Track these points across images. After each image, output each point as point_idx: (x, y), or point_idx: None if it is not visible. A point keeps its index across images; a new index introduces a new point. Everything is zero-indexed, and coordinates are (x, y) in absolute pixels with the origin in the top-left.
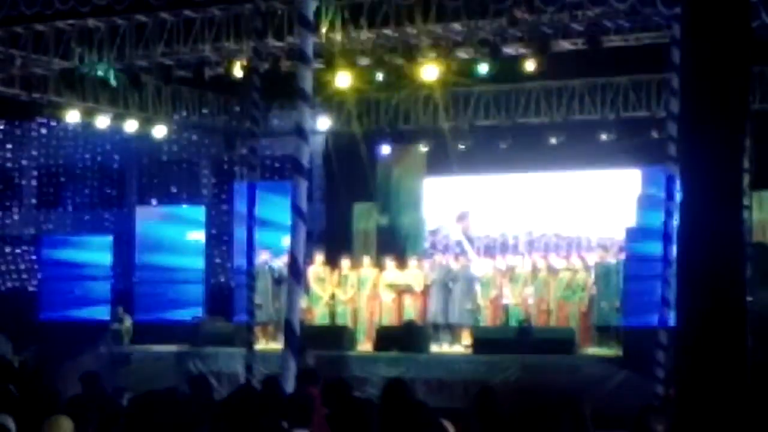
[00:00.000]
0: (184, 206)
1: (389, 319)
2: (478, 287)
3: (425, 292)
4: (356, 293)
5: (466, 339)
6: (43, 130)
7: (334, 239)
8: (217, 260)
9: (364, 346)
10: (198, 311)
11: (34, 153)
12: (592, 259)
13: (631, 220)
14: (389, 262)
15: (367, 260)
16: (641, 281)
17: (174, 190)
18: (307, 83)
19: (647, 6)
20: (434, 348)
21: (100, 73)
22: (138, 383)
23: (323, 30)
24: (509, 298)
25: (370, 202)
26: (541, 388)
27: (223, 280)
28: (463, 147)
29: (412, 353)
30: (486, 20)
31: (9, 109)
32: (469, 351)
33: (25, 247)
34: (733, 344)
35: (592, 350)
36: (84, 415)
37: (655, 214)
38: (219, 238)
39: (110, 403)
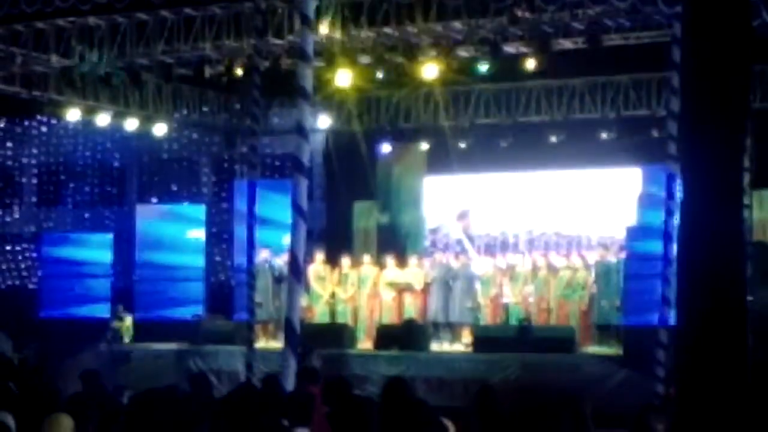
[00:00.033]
0: (185, 204)
1: (389, 317)
2: (478, 286)
3: (425, 290)
4: (356, 292)
5: (467, 337)
6: (44, 128)
7: (334, 238)
8: (218, 258)
9: (365, 344)
10: (198, 309)
11: (35, 151)
12: (593, 257)
13: (631, 218)
14: (389, 261)
15: (367, 259)
16: (641, 280)
17: (174, 188)
18: (308, 81)
19: (648, 5)
20: (434, 346)
21: (102, 70)
22: (138, 381)
23: (324, 28)
24: (509, 296)
25: (370, 200)
26: (542, 386)
27: (223, 278)
28: (463, 145)
29: (412, 352)
30: (486, 19)
31: (9, 107)
32: (470, 349)
33: (25, 245)
34: (733, 343)
35: (593, 349)
36: (84, 413)
37: (655, 212)
38: (219, 237)
39: (110, 401)
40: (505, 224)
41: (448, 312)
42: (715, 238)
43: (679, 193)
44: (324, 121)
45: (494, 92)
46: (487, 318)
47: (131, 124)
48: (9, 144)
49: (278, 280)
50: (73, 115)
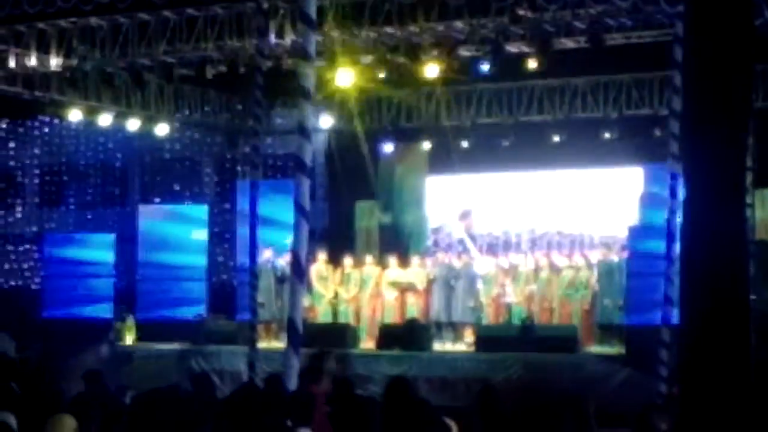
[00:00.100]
0: (187, 204)
1: (392, 317)
2: (480, 285)
3: (428, 290)
4: (359, 291)
5: (469, 337)
6: (46, 129)
7: (336, 237)
8: (220, 258)
9: (367, 344)
10: (201, 309)
11: (37, 151)
12: (595, 257)
13: (633, 218)
14: (392, 261)
15: (369, 258)
16: (644, 279)
17: (177, 188)
18: (310, 81)
19: (649, 4)
20: (437, 346)
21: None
22: (141, 381)
23: (325, 28)
24: (512, 296)
25: (372, 200)
26: (544, 386)
27: (225, 278)
28: (465, 145)
29: (414, 351)
30: (488, 18)
31: (11, 108)
32: (472, 349)
33: (27, 246)
34: (736, 342)
35: (595, 348)
36: (87, 413)
37: (657, 212)
38: (222, 237)
39: (113, 401)
40: (508, 224)
41: (450, 312)
42: (717, 237)
43: (681, 192)
44: (326, 121)
45: (496, 91)
46: (489, 318)
47: (133, 124)
48: (11, 144)
49: (281, 280)
50: (75, 115)
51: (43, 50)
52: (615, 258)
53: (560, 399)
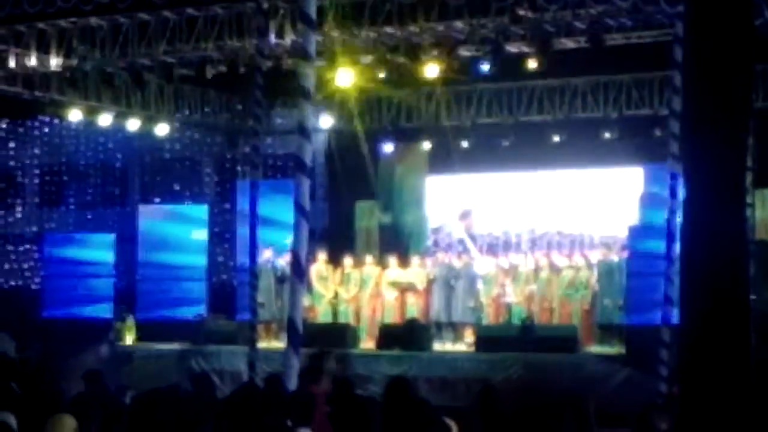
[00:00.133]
0: (187, 204)
1: (392, 317)
2: (480, 285)
3: (428, 290)
4: (359, 291)
5: (469, 337)
6: (46, 129)
7: (336, 237)
8: (220, 258)
9: (367, 344)
10: (201, 309)
11: (37, 151)
12: (595, 257)
13: (633, 218)
14: (392, 261)
15: (369, 258)
16: (644, 279)
17: (177, 188)
18: (310, 81)
19: (649, 4)
20: (437, 346)
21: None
22: (141, 381)
23: (325, 28)
24: (512, 296)
25: (372, 200)
26: (544, 386)
27: (225, 278)
28: (465, 145)
29: (414, 351)
30: (488, 18)
31: (11, 108)
32: (472, 349)
33: (27, 246)
34: (736, 342)
35: (595, 348)
36: (87, 413)
37: (657, 212)
38: (222, 237)
39: (113, 401)
40: (508, 224)
41: (450, 312)
42: (717, 237)
43: (681, 193)
44: (326, 121)
45: (496, 91)
46: (489, 318)
47: (133, 124)
48: (11, 144)
49: (281, 280)
50: (75, 115)
51: (43, 50)
52: (615, 258)
53: (560, 399)
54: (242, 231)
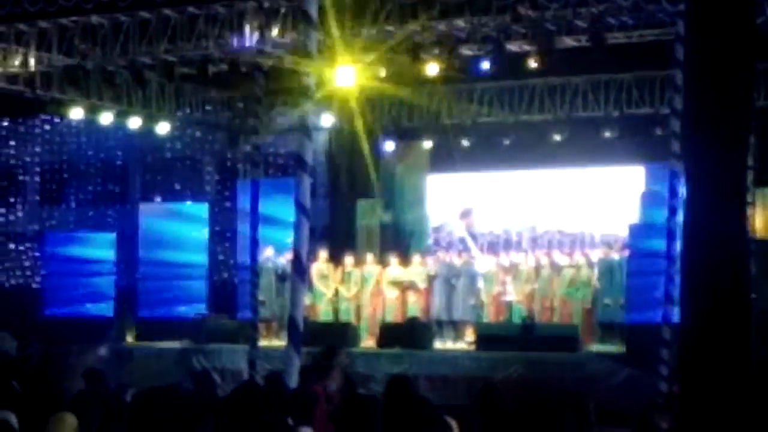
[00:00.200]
0: (188, 203)
1: (393, 315)
2: (481, 284)
3: (429, 288)
4: (360, 290)
5: (470, 335)
6: (47, 127)
7: (337, 236)
8: (221, 257)
9: (368, 342)
10: (201, 308)
11: (38, 150)
12: (596, 255)
13: (634, 216)
14: (393, 259)
15: (370, 257)
16: (645, 278)
17: (177, 186)
18: (311, 80)
19: (651, 3)
20: (437, 344)
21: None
22: (141, 379)
23: (326, 26)
24: (512, 294)
25: (373, 198)
26: (544, 384)
27: (226, 276)
28: (466, 144)
29: (415, 350)
30: (489, 17)
31: (13, 106)
32: (473, 347)
33: (28, 244)
34: (737, 341)
35: (596, 347)
36: (88, 411)
37: (658, 210)
38: (222, 235)
39: (114, 399)
40: (508, 222)
41: (451, 310)
42: (718, 236)
43: (682, 191)
44: (327, 120)
45: (497, 90)
46: (490, 316)
47: (134, 122)
48: (12, 143)
49: (281, 278)
50: (76, 113)
51: (45, 49)
52: (616, 256)
53: (560, 397)
54: (243, 229)
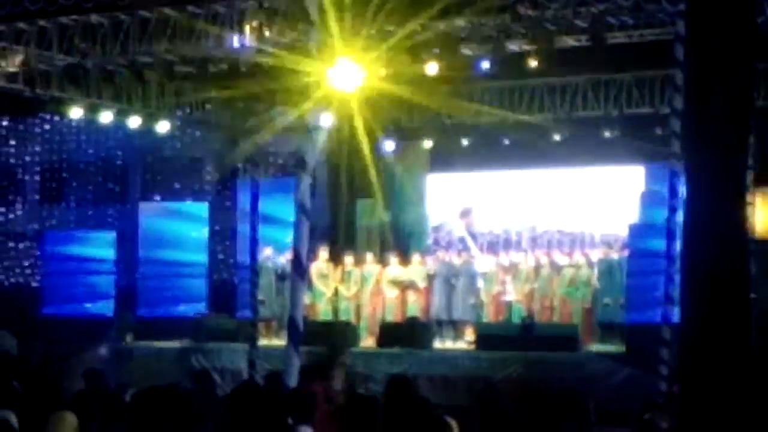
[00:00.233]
0: (188, 202)
1: (392, 315)
2: (481, 283)
3: (428, 288)
4: (359, 289)
5: (470, 335)
6: (47, 126)
7: (337, 235)
8: (221, 256)
9: (367, 342)
10: (201, 307)
11: (37, 149)
12: (596, 255)
13: (634, 216)
14: (392, 258)
15: (370, 256)
16: (644, 277)
17: (177, 185)
18: (311, 79)
19: (651, 2)
20: (437, 344)
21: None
22: (141, 379)
23: (326, 26)
24: (512, 294)
25: (373, 198)
26: (544, 384)
27: (226, 275)
28: (466, 143)
29: (415, 349)
30: (489, 16)
31: (12, 105)
32: (472, 347)
33: (28, 243)
34: (736, 340)
35: (596, 347)
36: (88, 410)
37: (658, 210)
38: (222, 234)
39: (113, 398)
40: (508, 222)
41: (450, 310)
42: (718, 235)
43: (682, 191)
44: (326, 119)
45: (497, 90)
46: (489, 316)
47: (134, 121)
48: (12, 142)
49: (281, 277)
50: (75, 112)
51: (45, 47)
52: (616, 256)
53: (560, 397)
54: (243, 228)
